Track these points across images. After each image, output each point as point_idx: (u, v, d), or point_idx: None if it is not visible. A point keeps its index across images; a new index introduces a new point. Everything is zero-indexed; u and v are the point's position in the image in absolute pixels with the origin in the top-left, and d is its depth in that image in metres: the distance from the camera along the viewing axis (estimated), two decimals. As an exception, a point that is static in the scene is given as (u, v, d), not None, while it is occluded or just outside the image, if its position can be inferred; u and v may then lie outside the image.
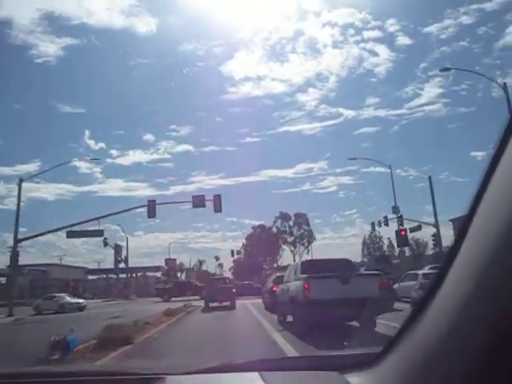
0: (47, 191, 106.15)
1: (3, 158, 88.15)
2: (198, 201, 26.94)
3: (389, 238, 75.66)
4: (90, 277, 75.37)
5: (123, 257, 53.21)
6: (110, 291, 56.61)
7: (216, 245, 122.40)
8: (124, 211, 26.18)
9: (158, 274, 70.81)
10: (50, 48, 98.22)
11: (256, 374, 1.51)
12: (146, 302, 41.37)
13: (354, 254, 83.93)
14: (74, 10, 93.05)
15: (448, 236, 43.40)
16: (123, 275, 59.10)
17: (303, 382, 1.51)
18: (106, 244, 45.35)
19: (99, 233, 30.62)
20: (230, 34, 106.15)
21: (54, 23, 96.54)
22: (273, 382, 1.44)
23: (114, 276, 59.28)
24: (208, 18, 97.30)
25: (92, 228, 29.15)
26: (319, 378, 1.48)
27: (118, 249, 51.34)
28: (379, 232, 76.98)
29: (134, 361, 7.60)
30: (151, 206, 25.51)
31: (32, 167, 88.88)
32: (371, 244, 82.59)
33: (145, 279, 65.03)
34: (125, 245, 53.17)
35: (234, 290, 24.05)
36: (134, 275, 62.16)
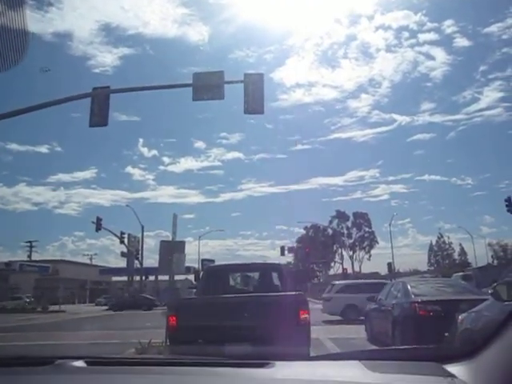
0: (103, 197, 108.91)
1: (62, 165, 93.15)
2: (203, 80, 13.87)
3: (460, 245, 73.21)
4: (115, 278, 64.95)
5: (134, 251, 40.08)
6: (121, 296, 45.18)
7: (265, 253, 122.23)
8: (52, 104, 14.50)
9: (191, 277, 58.65)
10: (107, 58, 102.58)
11: (357, 362, 1.54)
12: (156, 315, 29.10)
13: (418, 263, 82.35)
14: (131, 20, 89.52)
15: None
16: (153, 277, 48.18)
17: (404, 372, 1.48)
18: (98, 228, 33.19)
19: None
20: (281, 41, 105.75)
21: (112, 34, 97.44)
22: (373, 370, 1.44)
23: (137, 278, 48.32)
24: (259, 25, 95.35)
25: None
26: (420, 368, 1.47)
27: (131, 242, 38.33)
28: (448, 238, 75.13)
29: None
30: (99, 95, 13.43)
31: (89, 174, 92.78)
32: (439, 251, 77.32)
33: (173, 284, 52.23)
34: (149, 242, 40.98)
35: (305, 316, 5.80)
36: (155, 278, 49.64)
